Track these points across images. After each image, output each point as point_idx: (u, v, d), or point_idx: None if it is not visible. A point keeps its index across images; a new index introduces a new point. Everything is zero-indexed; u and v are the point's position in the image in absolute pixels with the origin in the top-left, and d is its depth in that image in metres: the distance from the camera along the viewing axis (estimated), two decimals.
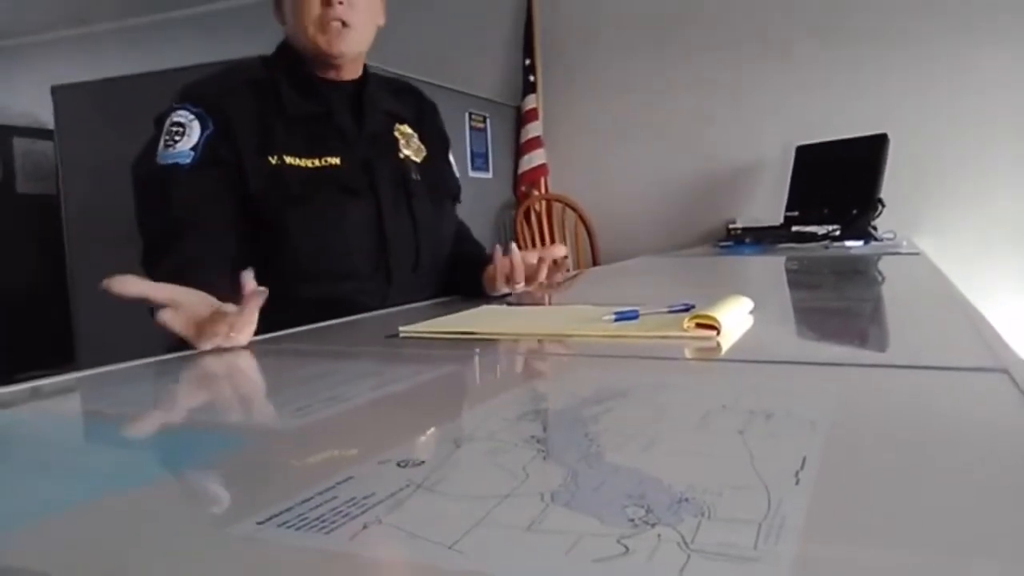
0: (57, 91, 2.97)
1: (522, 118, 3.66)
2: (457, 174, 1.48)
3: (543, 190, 3.63)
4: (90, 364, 0.79)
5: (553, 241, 3.45)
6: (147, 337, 0.87)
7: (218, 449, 0.52)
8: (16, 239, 3.67)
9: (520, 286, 1.22)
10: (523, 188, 3.62)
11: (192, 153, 1.14)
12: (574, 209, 3.45)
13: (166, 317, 0.81)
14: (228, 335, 0.83)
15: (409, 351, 0.84)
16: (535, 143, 3.62)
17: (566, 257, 1.30)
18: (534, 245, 3.35)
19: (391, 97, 1.38)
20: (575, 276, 1.30)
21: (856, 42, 3.15)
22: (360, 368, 0.77)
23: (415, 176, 1.32)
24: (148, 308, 0.84)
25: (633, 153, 3.59)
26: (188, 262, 1.06)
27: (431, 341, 0.87)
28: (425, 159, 1.36)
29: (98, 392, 0.75)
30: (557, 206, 3.58)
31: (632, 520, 0.32)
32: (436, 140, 1.42)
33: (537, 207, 3.56)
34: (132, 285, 0.78)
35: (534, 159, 3.62)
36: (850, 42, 3.16)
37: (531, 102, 3.64)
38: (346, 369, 0.76)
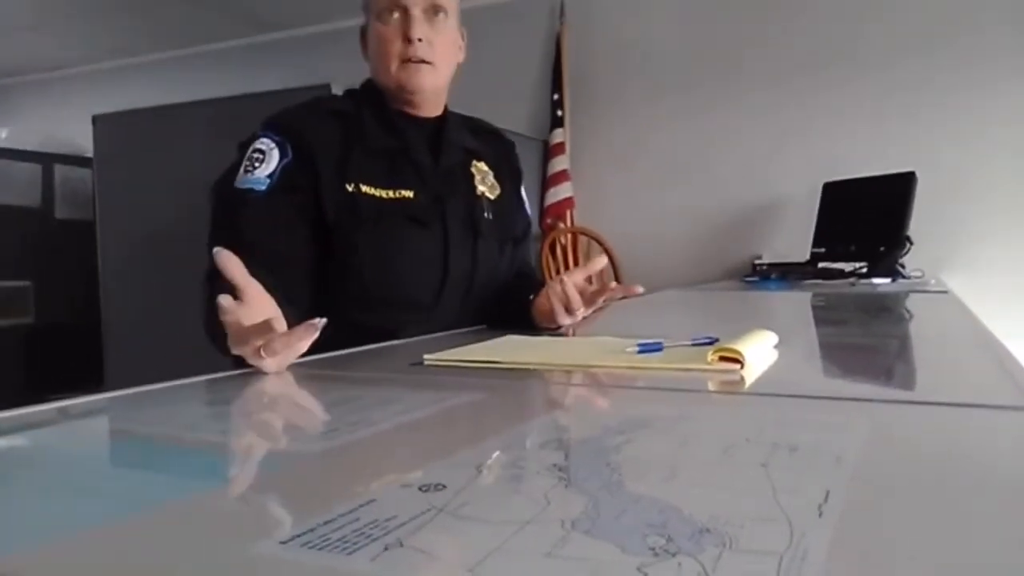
0: (98, 120, 3.06)
1: (549, 151, 3.69)
2: (528, 209, 1.50)
3: (569, 223, 3.65)
4: (118, 388, 0.80)
5: None
6: (175, 363, 0.87)
7: (244, 470, 0.52)
8: (53, 263, 3.76)
9: (581, 313, 1.17)
10: (549, 221, 3.64)
11: (268, 180, 1.17)
12: (599, 242, 3.46)
13: (226, 303, 0.80)
14: (257, 353, 0.81)
15: (433, 379, 0.84)
16: (562, 176, 3.65)
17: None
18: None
19: (471, 136, 1.40)
20: (600, 308, 1.28)
21: (884, 80, 3.15)
22: (385, 394, 0.78)
23: (487, 215, 1.34)
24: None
25: (659, 187, 3.60)
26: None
27: (455, 369, 0.88)
28: (499, 196, 1.38)
29: (125, 413, 0.76)
30: (582, 239, 3.59)
31: (653, 549, 0.32)
32: (510, 178, 1.44)
33: (563, 239, 3.57)
34: (231, 266, 0.83)
35: (560, 192, 3.64)
36: (878, 80, 3.16)
37: (558, 136, 3.67)
38: (371, 395, 0.76)
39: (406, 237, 1.23)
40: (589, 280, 1.21)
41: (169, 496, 0.45)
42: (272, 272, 1.11)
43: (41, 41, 4.68)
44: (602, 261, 1.22)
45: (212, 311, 0.82)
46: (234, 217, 1.17)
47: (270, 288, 0.90)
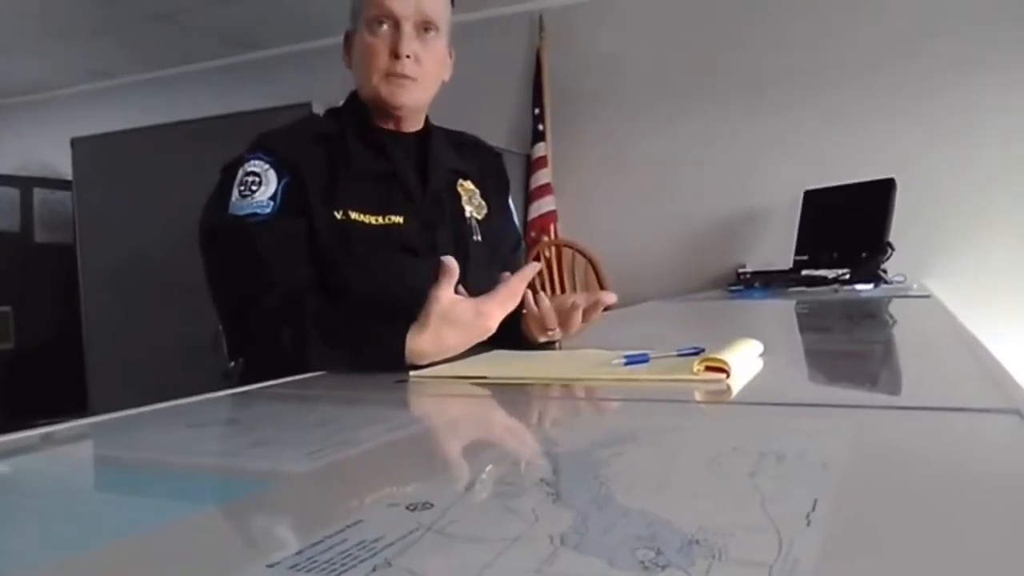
0: (76, 142, 3.04)
1: (531, 165, 3.70)
2: (516, 220, 1.46)
3: (553, 236, 3.65)
4: (101, 412, 0.79)
5: (563, 287, 3.46)
6: (158, 385, 0.87)
7: (229, 493, 0.52)
8: (33, 287, 3.72)
9: (556, 332, 1.14)
10: (533, 234, 3.65)
11: (271, 203, 1.12)
12: (584, 255, 3.47)
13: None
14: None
15: (419, 396, 0.84)
16: (545, 190, 3.66)
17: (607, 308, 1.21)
18: (544, 291, 3.35)
19: (454, 152, 1.35)
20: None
21: (863, 89, 3.19)
22: (370, 413, 0.77)
23: (476, 237, 1.30)
24: None
25: (642, 199, 3.62)
26: (277, 312, 1.04)
27: (441, 386, 0.87)
28: (486, 216, 1.34)
29: (108, 438, 0.75)
30: (567, 252, 3.59)
31: (642, 562, 0.32)
32: (496, 190, 1.40)
33: (547, 253, 3.58)
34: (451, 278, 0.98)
35: (543, 206, 3.65)
36: (857, 89, 3.20)
37: (540, 150, 3.69)
38: (356, 414, 0.76)
39: (398, 266, 1.18)
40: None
41: (154, 521, 0.45)
42: (295, 303, 1.06)
43: (18, 64, 4.65)
44: (611, 297, 1.15)
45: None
46: (241, 246, 1.11)
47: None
